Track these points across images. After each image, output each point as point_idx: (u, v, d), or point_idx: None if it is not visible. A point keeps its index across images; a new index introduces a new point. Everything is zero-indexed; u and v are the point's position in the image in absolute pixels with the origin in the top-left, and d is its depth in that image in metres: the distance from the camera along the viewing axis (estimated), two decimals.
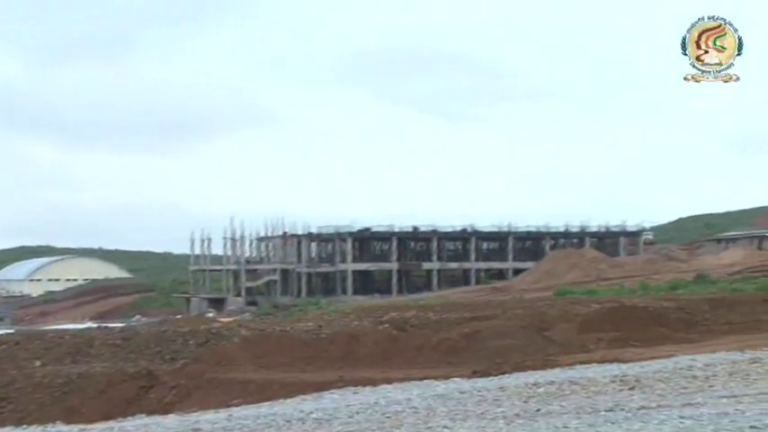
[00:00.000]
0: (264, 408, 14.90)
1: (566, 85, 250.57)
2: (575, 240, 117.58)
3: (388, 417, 12.15)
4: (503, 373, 15.92)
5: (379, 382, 16.50)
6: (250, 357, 22.20)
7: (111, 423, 14.91)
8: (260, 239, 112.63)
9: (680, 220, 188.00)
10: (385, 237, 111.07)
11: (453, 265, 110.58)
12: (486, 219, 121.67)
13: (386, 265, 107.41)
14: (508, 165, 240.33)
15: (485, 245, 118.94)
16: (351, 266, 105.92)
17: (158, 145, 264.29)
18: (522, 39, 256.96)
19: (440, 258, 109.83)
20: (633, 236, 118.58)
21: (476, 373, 16.74)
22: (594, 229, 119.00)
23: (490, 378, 15.50)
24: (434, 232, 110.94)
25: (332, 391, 16.13)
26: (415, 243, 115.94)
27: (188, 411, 16.47)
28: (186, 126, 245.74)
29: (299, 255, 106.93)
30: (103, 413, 18.02)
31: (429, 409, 12.42)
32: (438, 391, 14.22)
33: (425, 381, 16.08)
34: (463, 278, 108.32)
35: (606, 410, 10.81)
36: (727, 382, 12.35)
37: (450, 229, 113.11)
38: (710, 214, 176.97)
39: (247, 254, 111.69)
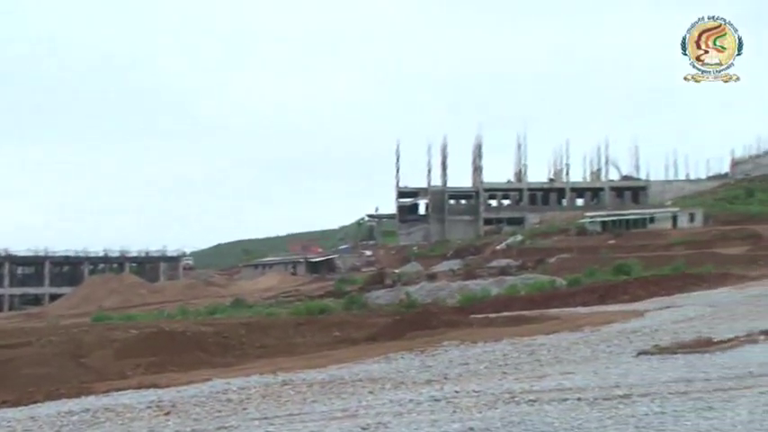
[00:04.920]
0: None
1: (102, 106, 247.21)
2: (114, 265, 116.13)
3: None
4: (34, 402, 15.18)
5: None
6: None
7: None
8: None
9: (219, 246, 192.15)
10: None
11: None
12: (22, 242, 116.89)
13: None
14: (44, 186, 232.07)
15: (19, 270, 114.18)
16: None
17: None
18: (68, 52, 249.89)
19: None
20: (173, 261, 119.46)
21: (5, 403, 15.82)
22: (135, 254, 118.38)
23: (20, 408, 14.72)
24: None
25: None
26: None
27: None
28: None
29: None
30: None
31: None
32: None
33: None
34: None
35: None
36: (260, 405, 12.67)
37: None
38: (249, 240, 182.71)
39: None
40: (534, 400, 11.21)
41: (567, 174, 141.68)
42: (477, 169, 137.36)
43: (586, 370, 14.21)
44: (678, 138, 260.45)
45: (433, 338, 21.14)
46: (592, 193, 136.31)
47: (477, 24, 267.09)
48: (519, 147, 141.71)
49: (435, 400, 11.88)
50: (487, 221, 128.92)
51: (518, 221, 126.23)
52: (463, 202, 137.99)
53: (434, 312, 27.48)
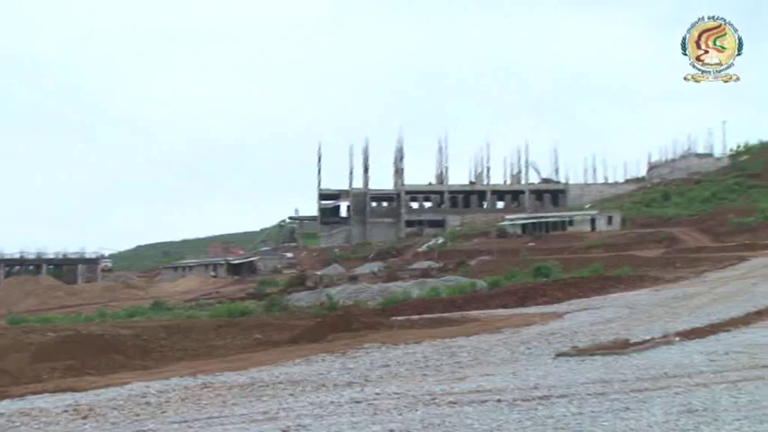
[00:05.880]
0: None
1: (15, 104, 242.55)
2: (31, 267, 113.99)
3: None
4: None
5: None
6: None
7: None
8: None
9: (138, 248, 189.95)
10: None
11: None
12: None
13: None
14: None
15: None
16: None
17: None
18: None
19: None
20: (91, 263, 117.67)
21: None
22: (52, 256, 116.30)
23: None
24: None
25: None
26: None
27: None
28: None
29: None
30: None
31: None
32: None
33: None
34: None
35: None
36: (179, 408, 12.54)
37: None
38: (168, 242, 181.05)
39: None
40: (454, 402, 11.28)
41: (488, 176, 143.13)
42: (399, 171, 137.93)
43: (506, 371, 14.35)
44: (596, 141, 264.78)
45: (354, 340, 21.15)
46: (512, 195, 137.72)
47: (400, 27, 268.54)
48: (440, 149, 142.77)
49: (356, 401, 11.90)
50: (409, 223, 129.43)
51: (439, 224, 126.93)
52: (385, 204, 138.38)
53: (355, 314, 27.43)
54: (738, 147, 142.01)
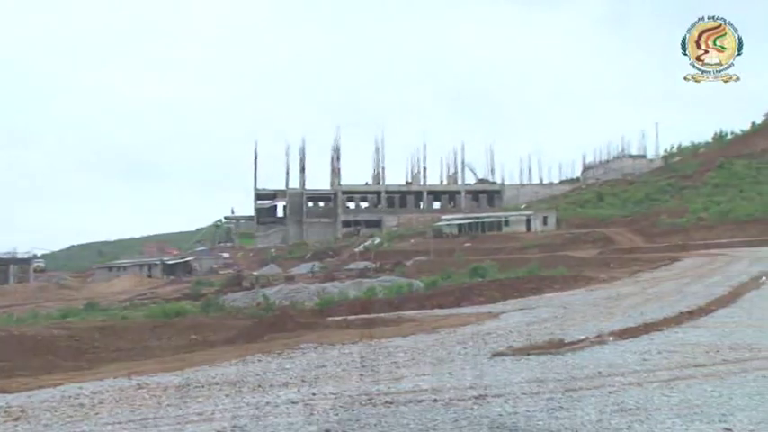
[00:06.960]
0: None
1: None
2: None
3: None
4: None
5: None
6: None
7: None
8: None
9: (72, 248, 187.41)
10: None
11: None
12: None
13: None
14: None
15: None
16: None
17: None
18: None
19: None
20: (23, 263, 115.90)
21: None
22: None
23: None
24: None
25: None
26: None
27: None
28: None
29: None
30: None
31: None
32: None
33: None
34: None
35: None
36: (113, 409, 12.40)
37: None
38: (102, 242, 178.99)
39: None
40: (391, 402, 11.30)
41: (425, 177, 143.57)
42: (336, 171, 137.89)
43: (442, 371, 14.40)
44: (531, 142, 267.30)
45: (290, 341, 21.08)
46: (448, 196, 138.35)
47: (336, 24, 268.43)
48: (377, 150, 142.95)
49: (292, 402, 11.86)
50: (346, 224, 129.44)
51: (376, 224, 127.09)
52: (321, 204, 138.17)
53: (292, 315, 27.36)
54: (672, 148, 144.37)
